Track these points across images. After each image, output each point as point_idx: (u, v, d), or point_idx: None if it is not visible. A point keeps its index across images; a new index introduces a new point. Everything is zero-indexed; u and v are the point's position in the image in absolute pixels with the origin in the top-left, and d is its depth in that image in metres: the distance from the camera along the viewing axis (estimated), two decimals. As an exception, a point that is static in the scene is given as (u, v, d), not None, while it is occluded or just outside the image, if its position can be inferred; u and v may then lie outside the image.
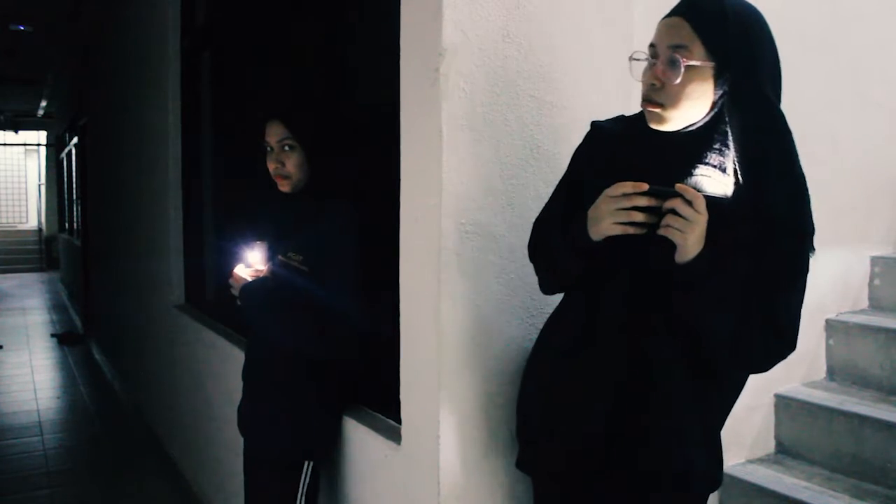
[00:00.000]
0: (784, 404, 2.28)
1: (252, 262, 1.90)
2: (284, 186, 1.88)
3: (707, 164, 1.20)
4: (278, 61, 2.65)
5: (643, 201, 1.16)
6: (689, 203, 1.13)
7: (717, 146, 1.20)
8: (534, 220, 1.48)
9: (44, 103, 12.06)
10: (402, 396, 1.67)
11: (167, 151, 3.62)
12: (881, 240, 2.69)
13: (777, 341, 1.21)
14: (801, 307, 1.23)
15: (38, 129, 14.78)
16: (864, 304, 2.61)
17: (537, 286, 1.63)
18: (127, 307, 4.96)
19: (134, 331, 4.79)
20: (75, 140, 8.78)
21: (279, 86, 2.68)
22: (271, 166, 1.88)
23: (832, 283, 2.50)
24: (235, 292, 1.91)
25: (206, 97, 3.48)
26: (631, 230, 1.19)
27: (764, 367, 1.27)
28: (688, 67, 1.18)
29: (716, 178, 1.19)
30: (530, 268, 1.62)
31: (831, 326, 2.45)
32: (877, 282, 2.61)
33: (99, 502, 3.45)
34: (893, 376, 2.29)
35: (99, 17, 5.89)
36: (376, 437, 1.77)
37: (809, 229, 1.20)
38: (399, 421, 1.68)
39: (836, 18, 2.44)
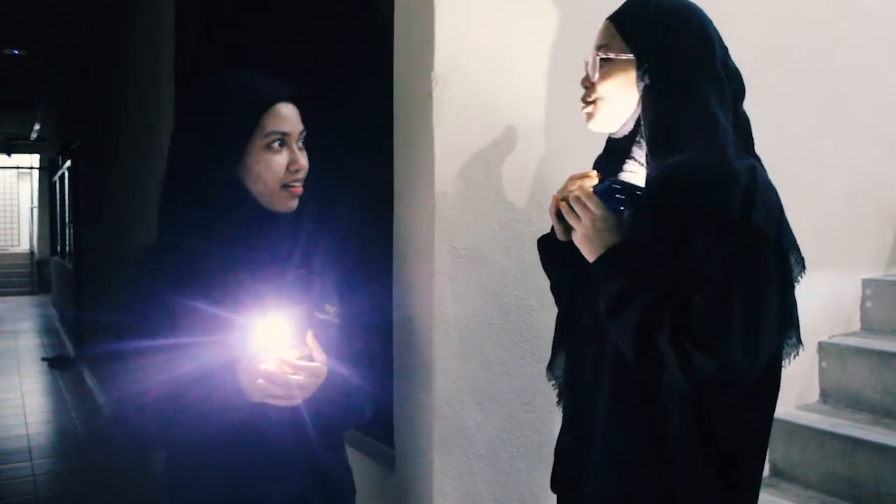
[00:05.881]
0: (777, 427, 2.27)
1: (277, 339, 1.21)
2: (294, 199, 1.35)
3: (634, 159, 1.20)
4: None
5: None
6: (579, 199, 1.15)
7: (639, 139, 1.19)
8: (525, 243, 1.48)
9: (37, 126, 12.07)
10: (395, 421, 1.66)
11: (160, 175, 3.61)
12: (872, 262, 2.70)
13: (699, 354, 1.02)
14: (729, 318, 1.02)
15: (30, 152, 14.77)
16: (857, 326, 2.62)
17: (530, 310, 1.63)
18: (119, 332, 4.92)
19: (126, 355, 4.74)
20: (68, 163, 8.77)
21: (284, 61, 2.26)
22: (294, 165, 1.32)
23: (824, 305, 2.51)
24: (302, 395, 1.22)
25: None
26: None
27: (686, 382, 1.05)
28: (604, 61, 1.20)
29: (639, 173, 1.18)
30: (523, 291, 1.63)
31: (824, 349, 2.45)
32: (868, 304, 2.62)
33: (88, 529, 3.40)
34: (886, 399, 2.29)
35: (92, 40, 5.91)
36: (369, 462, 1.76)
37: (753, 230, 1.04)
38: (392, 446, 1.67)
39: (823, 43, 2.47)
